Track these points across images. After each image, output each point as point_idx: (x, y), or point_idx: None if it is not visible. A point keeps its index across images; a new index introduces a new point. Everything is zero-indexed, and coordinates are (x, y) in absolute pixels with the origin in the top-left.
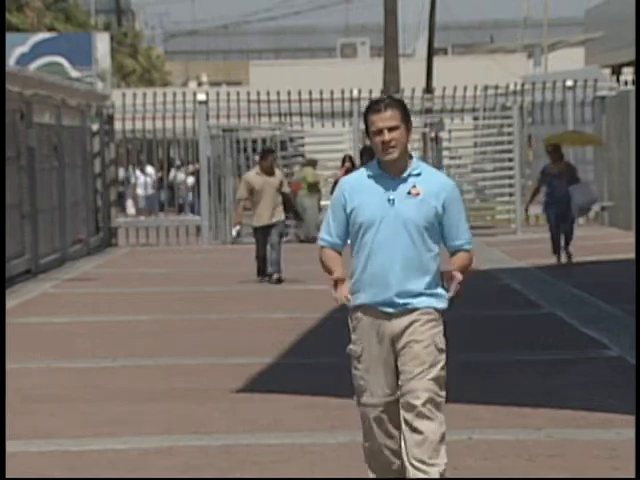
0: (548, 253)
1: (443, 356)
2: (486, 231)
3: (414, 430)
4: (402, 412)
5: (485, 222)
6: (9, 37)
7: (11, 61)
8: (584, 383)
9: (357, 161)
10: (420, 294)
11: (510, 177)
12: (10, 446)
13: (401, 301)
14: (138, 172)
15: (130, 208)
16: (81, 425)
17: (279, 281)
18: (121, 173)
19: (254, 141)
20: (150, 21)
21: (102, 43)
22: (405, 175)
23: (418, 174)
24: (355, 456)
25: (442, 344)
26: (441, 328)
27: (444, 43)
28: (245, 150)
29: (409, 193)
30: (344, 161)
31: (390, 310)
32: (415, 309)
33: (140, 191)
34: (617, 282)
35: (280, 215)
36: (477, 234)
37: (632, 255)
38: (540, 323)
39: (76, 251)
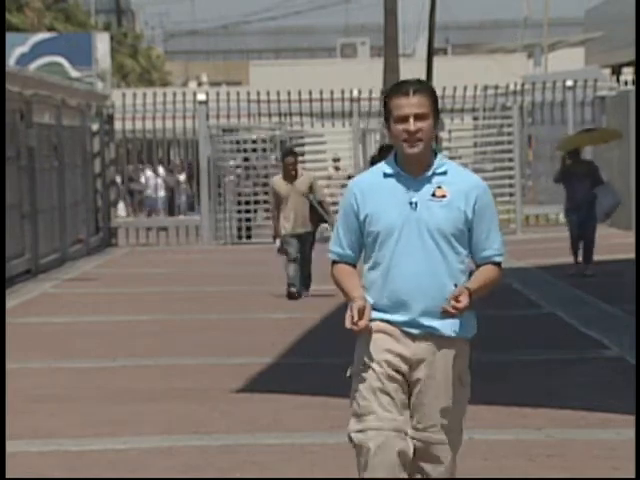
0: (548, 253)
1: (467, 391)
2: None
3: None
4: (418, 460)
5: None
6: (9, 37)
7: (11, 61)
8: (584, 383)
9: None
10: (450, 317)
11: (510, 177)
12: (10, 446)
13: (427, 323)
14: (149, 172)
15: (121, 210)
16: (81, 425)
17: (299, 296)
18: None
19: (254, 141)
20: (150, 21)
21: (102, 43)
22: (429, 174)
23: (444, 173)
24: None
25: (467, 378)
26: (467, 359)
27: (444, 43)
28: (245, 150)
29: (434, 195)
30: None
31: (415, 331)
32: (443, 336)
33: (150, 192)
34: (617, 282)
35: (307, 225)
36: None
37: (632, 255)
38: (540, 323)
39: (76, 251)
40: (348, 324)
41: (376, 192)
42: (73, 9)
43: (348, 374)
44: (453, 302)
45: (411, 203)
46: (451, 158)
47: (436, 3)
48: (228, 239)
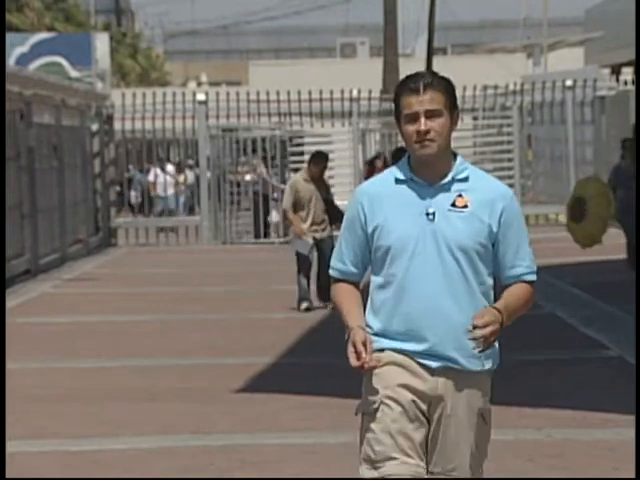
0: (548, 253)
1: (488, 430)
2: None
3: None
4: None
5: None
6: (9, 37)
7: (11, 61)
8: (584, 383)
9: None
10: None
11: (510, 177)
12: (10, 446)
13: (447, 353)
14: (158, 170)
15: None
16: (81, 425)
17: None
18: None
19: (254, 141)
20: (150, 21)
21: (102, 43)
22: (447, 181)
23: (465, 179)
24: (355, 456)
25: (489, 414)
26: (489, 394)
27: (444, 43)
28: (245, 150)
29: (454, 205)
30: (372, 161)
31: (433, 364)
32: (464, 371)
33: (160, 191)
34: (617, 282)
35: (326, 230)
36: None
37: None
38: (540, 323)
39: (76, 251)
40: (354, 362)
41: (386, 201)
42: (73, 9)
43: (356, 412)
44: (477, 330)
45: (428, 214)
46: None
47: (436, 3)
48: (228, 239)
